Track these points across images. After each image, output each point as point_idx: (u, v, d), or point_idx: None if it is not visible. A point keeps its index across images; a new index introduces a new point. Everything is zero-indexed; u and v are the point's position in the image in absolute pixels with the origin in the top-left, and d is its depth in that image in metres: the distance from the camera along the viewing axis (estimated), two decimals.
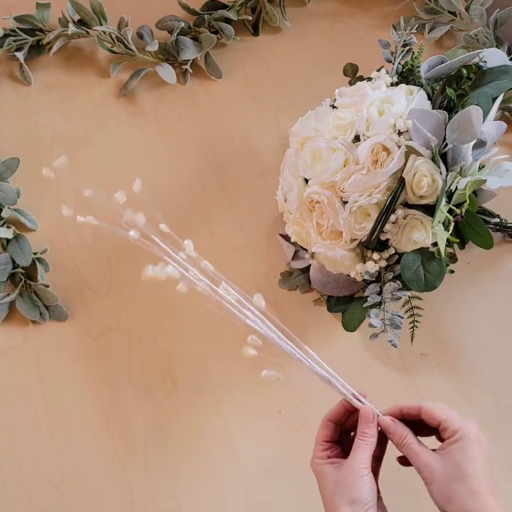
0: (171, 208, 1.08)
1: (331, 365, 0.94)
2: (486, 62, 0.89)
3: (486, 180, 0.78)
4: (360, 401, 0.69)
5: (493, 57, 0.89)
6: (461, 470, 0.62)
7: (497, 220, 0.99)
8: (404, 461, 0.68)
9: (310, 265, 0.97)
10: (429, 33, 1.24)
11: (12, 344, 0.98)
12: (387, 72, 0.92)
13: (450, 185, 0.79)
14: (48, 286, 0.98)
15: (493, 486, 0.63)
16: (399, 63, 0.92)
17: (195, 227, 1.06)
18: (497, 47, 1.11)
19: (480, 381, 0.92)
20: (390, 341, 0.86)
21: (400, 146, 0.81)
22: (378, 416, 0.68)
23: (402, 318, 0.87)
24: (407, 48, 0.94)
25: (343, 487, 0.63)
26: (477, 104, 0.79)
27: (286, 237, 1.00)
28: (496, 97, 0.86)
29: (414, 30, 0.94)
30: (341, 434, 0.70)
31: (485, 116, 0.81)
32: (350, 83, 1.03)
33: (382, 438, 0.69)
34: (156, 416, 0.92)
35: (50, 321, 0.99)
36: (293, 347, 0.70)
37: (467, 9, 1.19)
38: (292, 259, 1.00)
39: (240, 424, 0.91)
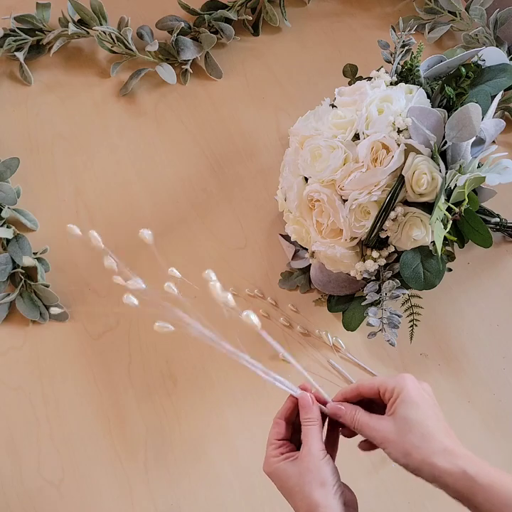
0: (171, 208, 1.08)
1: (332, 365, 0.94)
2: (484, 60, 0.89)
3: (484, 177, 0.78)
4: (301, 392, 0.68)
5: (491, 55, 0.89)
6: (408, 420, 0.60)
7: (497, 219, 0.99)
8: (365, 445, 0.68)
9: (310, 265, 0.97)
10: (429, 33, 1.24)
11: (12, 344, 0.98)
12: (387, 72, 0.92)
13: (449, 183, 0.79)
14: (48, 286, 0.98)
15: (446, 426, 0.62)
16: (398, 63, 0.92)
17: (195, 227, 1.06)
18: (497, 47, 1.11)
19: (480, 381, 0.92)
20: (388, 340, 0.86)
21: (399, 144, 0.81)
22: (327, 402, 0.68)
23: (400, 317, 0.86)
24: (406, 48, 0.94)
25: (308, 474, 0.63)
26: (476, 102, 0.79)
27: (287, 237, 1.00)
28: (495, 95, 0.86)
29: (413, 31, 0.94)
30: (293, 432, 0.70)
31: (484, 114, 0.81)
32: (350, 84, 1.03)
33: (334, 424, 0.69)
34: (156, 416, 0.92)
35: (50, 321, 0.99)
36: (233, 350, 0.72)
37: (467, 9, 1.19)
38: (292, 259, 1.00)
39: (240, 424, 0.91)
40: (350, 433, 0.68)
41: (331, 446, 0.68)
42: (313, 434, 0.65)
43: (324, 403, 0.69)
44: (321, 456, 0.64)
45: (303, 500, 0.62)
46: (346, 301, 0.95)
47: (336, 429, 0.69)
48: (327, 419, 0.69)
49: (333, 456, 0.68)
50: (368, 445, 0.67)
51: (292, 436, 0.69)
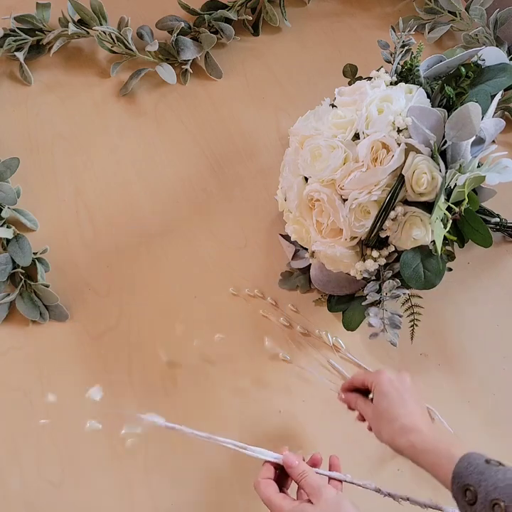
0: (171, 208, 1.08)
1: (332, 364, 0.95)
2: (484, 60, 0.89)
3: (484, 176, 0.78)
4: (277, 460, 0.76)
5: (491, 55, 0.88)
6: (378, 408, 0.76)
7: (497, 219, 0.99)
8: (360, 418, 0.83)
9: (310, 265, 0.97)
10: (429, 33, 1.24)
11: (12, 344, 0.98)
12: (387, 72, 0.92)
13: (449, 182, 0.79)
14: (47, 286, 0.98)
15: (411, 408, 0.74)
16: (398, 63, 0.92)
17: (195, 227, 1.06)
18: (497, 47, 1.11)
19: (480, 381, 0.92)
20: (390, 341, 0.86)
21: (399, 144, 0.81)
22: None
23: (400, 317, 0.86)
24: (406, 48, 0.94)
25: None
26: (476, 102, 0.79)
27: (287, 237, 1.00)
28: (495, 95, 0.85)
29: (413, 32, 0.94)
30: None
31: (484, 113, 0.80)
32: (350, 84, 1.02)
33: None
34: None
35: (50, 321, 0.99)
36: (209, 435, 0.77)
37: (467, 9, 1.19)
38: (292, 259, 1.00)
39: (240, 424, 0.91)
40: (361, 418, 0.82)
41: (335, 485, 0.75)
42: (315, 480, 0.71)
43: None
44: (334, 492, 0.69)
45: None
46: (346, 301, 0.95)
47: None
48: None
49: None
50: (362, 418, 0.82)
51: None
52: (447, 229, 0.78)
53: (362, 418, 0.81)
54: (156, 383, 0.94)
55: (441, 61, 0.89)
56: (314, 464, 0.77)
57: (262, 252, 1.04)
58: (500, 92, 0.87)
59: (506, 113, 1.12)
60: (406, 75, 0.91)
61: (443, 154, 0.82)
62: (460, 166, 0.80)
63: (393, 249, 0.86)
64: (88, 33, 1.23)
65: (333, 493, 0.69)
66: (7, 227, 1.04)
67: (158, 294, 1.01)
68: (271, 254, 1.03)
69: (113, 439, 0.90)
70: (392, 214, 0.82)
